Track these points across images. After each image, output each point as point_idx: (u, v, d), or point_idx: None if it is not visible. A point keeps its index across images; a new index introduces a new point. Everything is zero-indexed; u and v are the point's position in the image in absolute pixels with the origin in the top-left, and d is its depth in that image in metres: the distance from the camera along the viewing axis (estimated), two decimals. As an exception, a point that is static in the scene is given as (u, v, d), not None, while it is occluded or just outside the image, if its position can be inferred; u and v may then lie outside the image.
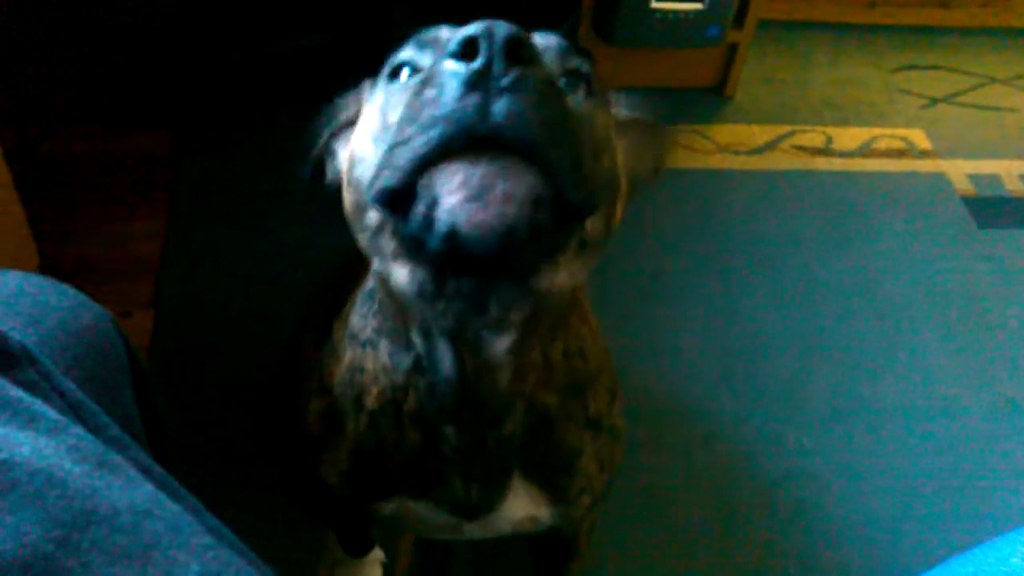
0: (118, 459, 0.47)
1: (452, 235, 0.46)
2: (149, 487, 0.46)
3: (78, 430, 0.47)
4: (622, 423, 0.80)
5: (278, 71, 1.62)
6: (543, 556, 1.03)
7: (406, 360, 0.63)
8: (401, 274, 0.52)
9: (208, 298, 1.36)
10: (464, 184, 0.45)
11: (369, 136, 0.55)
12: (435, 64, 0.48)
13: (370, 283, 0.69)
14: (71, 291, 0.67)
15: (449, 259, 0.48)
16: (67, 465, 0.43)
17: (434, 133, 0.46)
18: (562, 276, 0.52)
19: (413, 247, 0.50)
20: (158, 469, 0.50)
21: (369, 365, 0.68)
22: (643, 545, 1.15)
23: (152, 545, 0.42)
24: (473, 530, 0.77)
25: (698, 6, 1.59)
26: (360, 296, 0.72)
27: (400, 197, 0.48)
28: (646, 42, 1.66)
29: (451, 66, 0.46)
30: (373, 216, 0.53)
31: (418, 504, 0.74)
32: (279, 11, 1.65)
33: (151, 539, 0.42)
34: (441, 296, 0.52)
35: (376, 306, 0.66)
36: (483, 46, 0.45)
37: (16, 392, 0.47)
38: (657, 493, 1.20)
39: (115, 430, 0.51)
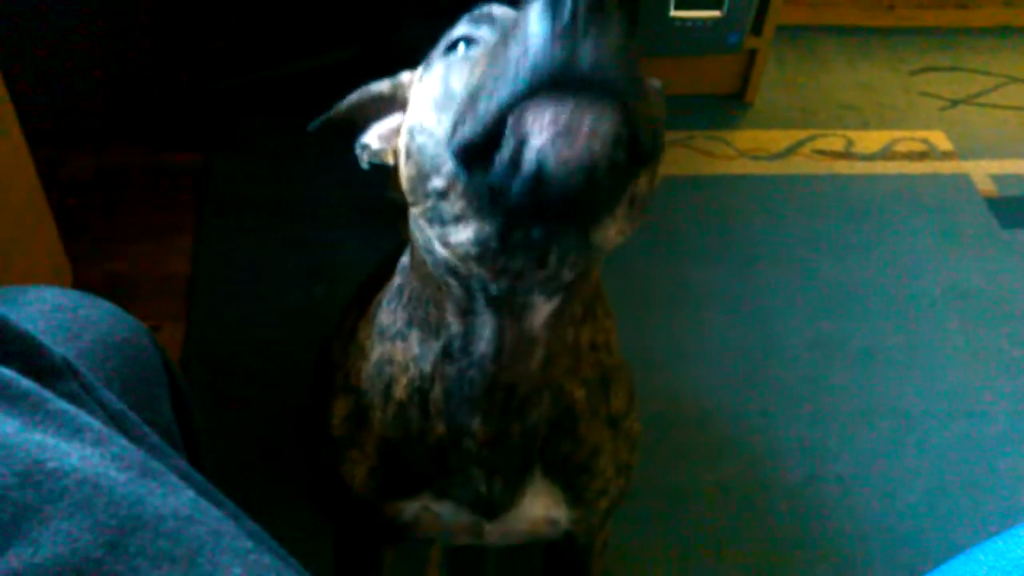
0: (159, 467, 0.48)
1: (539, 173, 0.48)
2: (190, 493, 0.47)
3: (121, 439, 0.49)
4: (639, 429, 0.81)
5: (304, 88, 1.64)
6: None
7: (435, 347, 0.66)
8: (463, 236, 0.54)
9: (238, 311, 1.38)
10: (553, 121, 0.47)
11: (431, 105, 0.56)
12: (518, 22, 0.49)
13: (396, 281, 0.72)
14: (108, 305, 0.69)
15: (528, 201, 0.50)
16: (112, 473, 0.45)
17: (522, 80, 0.48)
18: (613, 231, 0.55)
19: (488, 200, 0.51)
20: (197, 476, 0.52)
21: (399, 356, 0.70)
22: (669, 548, 1.16)
23: (196, 549, 0.43)
24: (492, 533, 0.78)
25: (716, 14, 1.60)
26: (387, 294, 0.74)
27: (480, 150, 0.50)
28: (666, 51, 1.66)
29: (537, 21, 0.47)
30: (438, 181, 0.54)
31: (440, 504, 0.75)
32: (301, 28, 1.67)
33: (195, 543, 0.43)
34: (503, 252, 0.53)
35: (405, 299, 0.69)
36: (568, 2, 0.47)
37: (61, 404, 0.48)
38: (683, 496, 1.21)
39: (155, 439, 0.53)
